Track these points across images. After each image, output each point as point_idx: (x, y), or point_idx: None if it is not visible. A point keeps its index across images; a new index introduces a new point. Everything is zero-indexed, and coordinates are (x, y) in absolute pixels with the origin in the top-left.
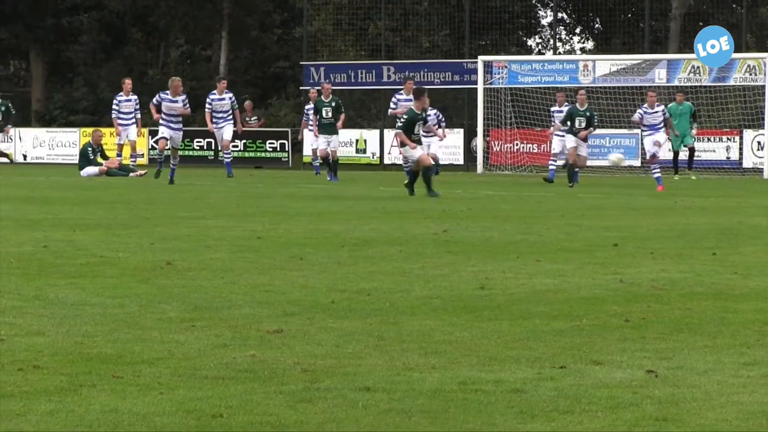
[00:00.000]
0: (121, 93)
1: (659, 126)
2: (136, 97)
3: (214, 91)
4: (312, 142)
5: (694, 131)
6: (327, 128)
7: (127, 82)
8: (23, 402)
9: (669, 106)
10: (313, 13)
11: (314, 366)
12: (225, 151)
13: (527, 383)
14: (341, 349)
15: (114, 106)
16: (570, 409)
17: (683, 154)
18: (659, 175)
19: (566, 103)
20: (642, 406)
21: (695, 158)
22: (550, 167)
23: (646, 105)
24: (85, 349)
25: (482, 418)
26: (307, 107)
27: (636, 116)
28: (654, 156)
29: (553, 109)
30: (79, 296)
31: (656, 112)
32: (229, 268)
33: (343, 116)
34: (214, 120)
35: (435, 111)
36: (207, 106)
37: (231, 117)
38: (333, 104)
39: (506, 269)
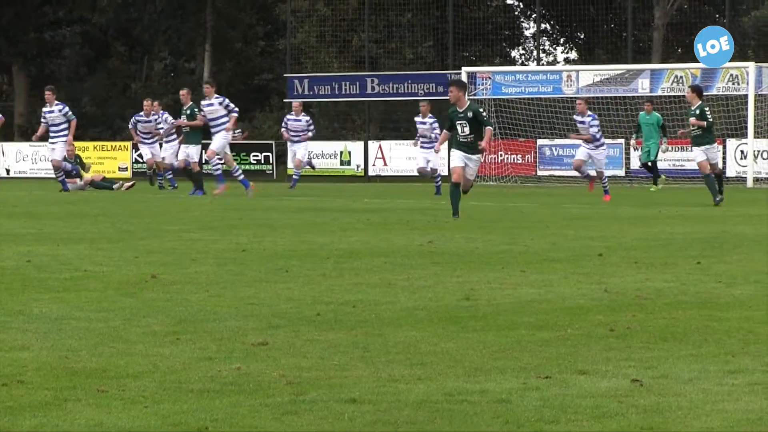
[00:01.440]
0: (141, 113)
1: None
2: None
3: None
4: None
5: (663, 146)
6: (186, 137)
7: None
8: (8, 417)
9: (641, 113)
10: (296, 25)
11: (300, 378)
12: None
13: (513, 393)
14: (327, 361)
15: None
16: (555, 419)
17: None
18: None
19: (430, 115)
20: (627, 415)
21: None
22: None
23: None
24: (69, 364)
25: (468, 429)
26: None
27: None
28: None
29: (417, 119)
30: (63, 310)
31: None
32: (213, 281)
33: (193, 122)
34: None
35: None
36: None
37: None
38: (188, 112)
39: (491, 280)
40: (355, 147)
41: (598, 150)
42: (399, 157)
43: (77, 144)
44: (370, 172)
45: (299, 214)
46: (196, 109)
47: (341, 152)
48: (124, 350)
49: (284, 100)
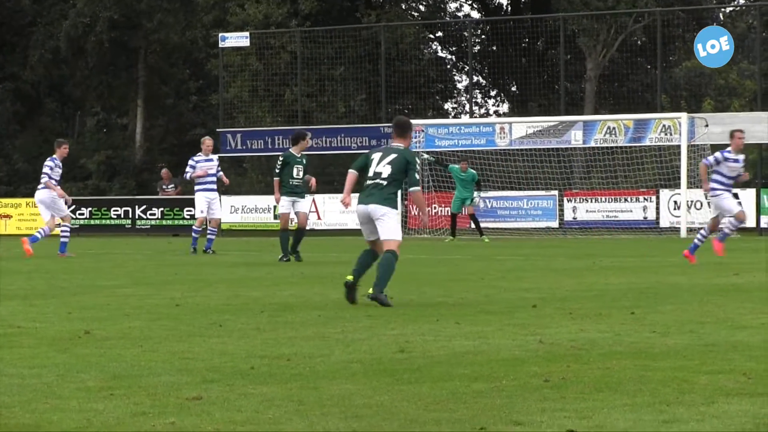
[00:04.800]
0: (200, 153)
1: (731, 182)
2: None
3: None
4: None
5: (476, 200)
6: None
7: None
8: None
9: (451, 166)
10: (229, 80)
11: None
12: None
13: None
14: (261, 414)
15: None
16: None
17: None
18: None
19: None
20: None
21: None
22: None
23: (729, 149)
24: (2, 420)
25: None
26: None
27: (711, 159)
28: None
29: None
30: None
31: (738, 160)
32: (147, 336)
33: None
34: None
35: None
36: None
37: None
38: None
39: (426, 332)
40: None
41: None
42: (333, 210)
43: (8, 201)
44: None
45: (233, 269)
46: None
47: (274, 206)
48: (57, 406)
49: (218, 155)
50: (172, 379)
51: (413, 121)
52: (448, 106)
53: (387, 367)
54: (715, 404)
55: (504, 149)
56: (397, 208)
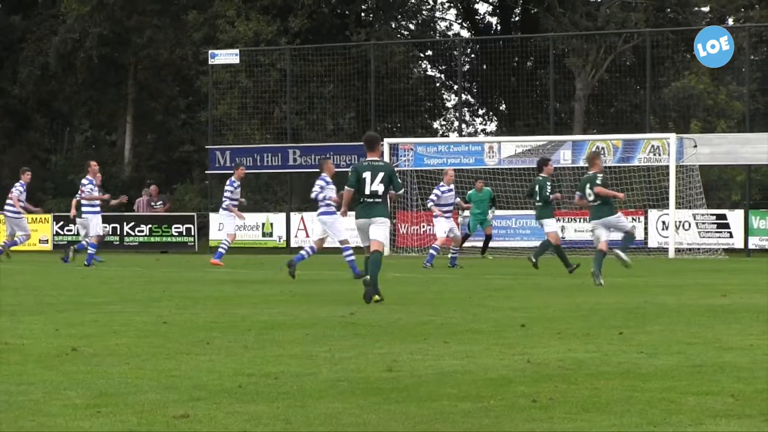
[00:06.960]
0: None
1: None
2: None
3: None
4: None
5: (491, 215)
6: None
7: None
8: None
9: (469, 193)
10: (218, 97)
11: None
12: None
13: None
14: None
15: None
16: None
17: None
18: None
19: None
20: None
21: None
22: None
23: None
24: None
25: None
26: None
27: None
28: None
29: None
30: None
31: None
32: (134, 354)
33: None
34: None
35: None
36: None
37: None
38: None
39: (414, 351)
40: (277, 218)
41: None
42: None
43: None
44: (293, 244)
45: (221, 286)
46: None
47: (263, 224)
48: (44, 423)
49: (206, 172)
50: (159, 397)
51: (402, 140)
52: (436, 124)
53: (374, 385)
54: (703, 425)
55: (493, 168)
56: (389, 218)
